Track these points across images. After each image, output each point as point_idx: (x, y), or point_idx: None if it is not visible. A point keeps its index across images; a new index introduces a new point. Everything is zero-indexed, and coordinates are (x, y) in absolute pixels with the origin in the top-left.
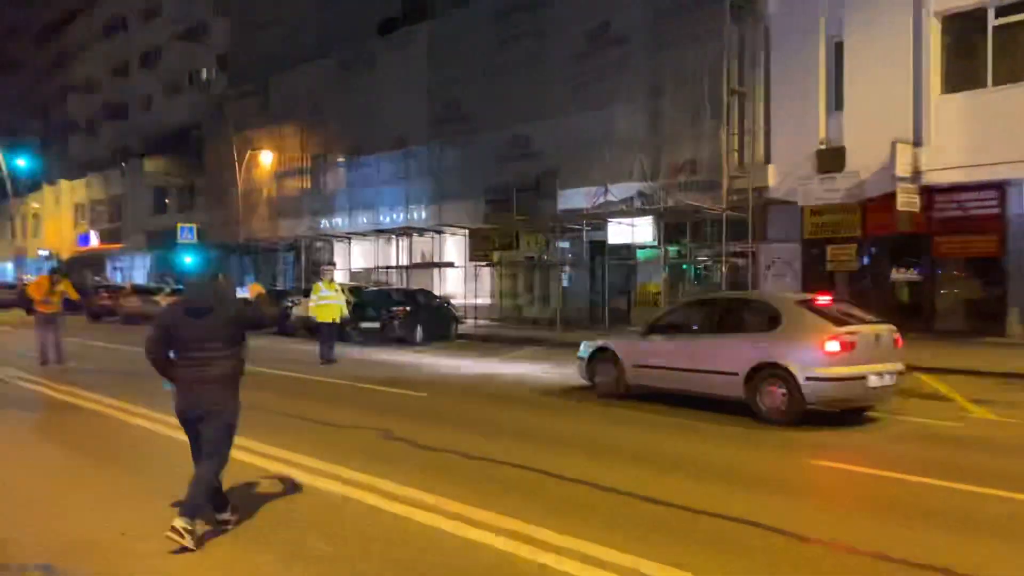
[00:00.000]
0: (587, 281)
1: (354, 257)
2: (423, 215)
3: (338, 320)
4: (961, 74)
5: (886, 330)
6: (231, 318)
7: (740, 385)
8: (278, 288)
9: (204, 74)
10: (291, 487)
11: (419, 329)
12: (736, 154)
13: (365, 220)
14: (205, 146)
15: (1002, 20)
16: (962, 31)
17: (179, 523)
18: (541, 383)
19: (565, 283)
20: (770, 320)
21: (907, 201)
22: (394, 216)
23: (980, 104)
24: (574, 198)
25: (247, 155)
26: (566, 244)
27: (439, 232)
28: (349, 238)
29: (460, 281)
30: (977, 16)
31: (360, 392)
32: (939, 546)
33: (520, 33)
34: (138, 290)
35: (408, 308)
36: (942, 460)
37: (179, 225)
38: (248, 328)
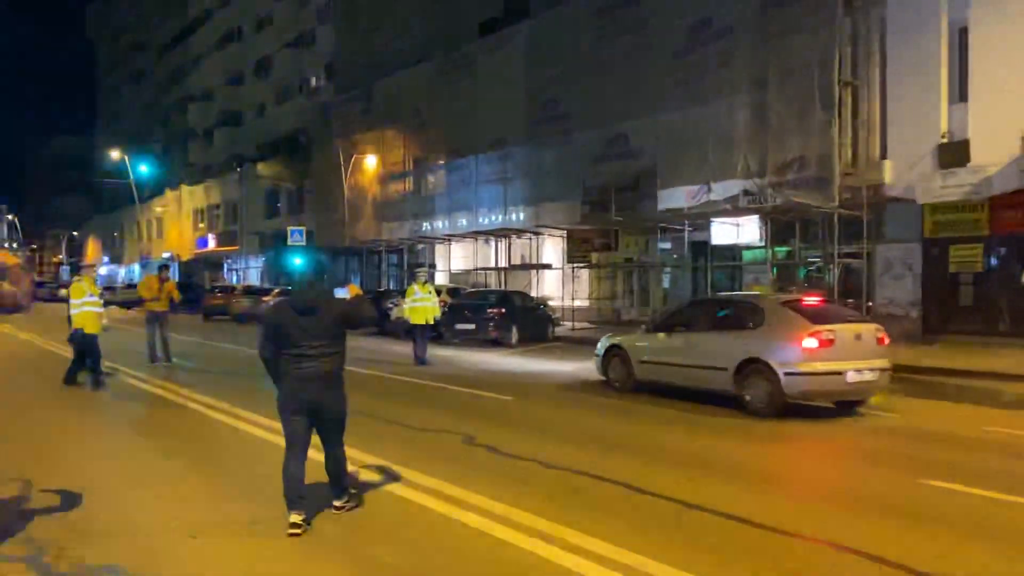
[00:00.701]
0: (689, 283)
1: (454, 259)
2: (521, 216)
3: (431, 322)
4: None
5: (869, 329)
6: (336, 316)
7: (730, 380)
8: (380, 289)
9: (312, 81)
10: (367, 491)
11: (514, 331)
12: (849, 149)
13: (464, 222)
14: (313, 151)
15: None
16: None
17: (338, 503)
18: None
19: (666, 284)
20: (756, 319)
21: None
22: (492, 218)
23: None
24: (674, 197)
25: (352, 159)
26: (667, 245)
27: (537, 233)
28: (449, 240)
29: (558, 283)
30: None
31: (447, 394)
32: (891, 537)
33: (619, 29)
34: (249, 291)
35: (503, 310)
36: (912, 455)
37: (289, 228)
38: (350, 327)
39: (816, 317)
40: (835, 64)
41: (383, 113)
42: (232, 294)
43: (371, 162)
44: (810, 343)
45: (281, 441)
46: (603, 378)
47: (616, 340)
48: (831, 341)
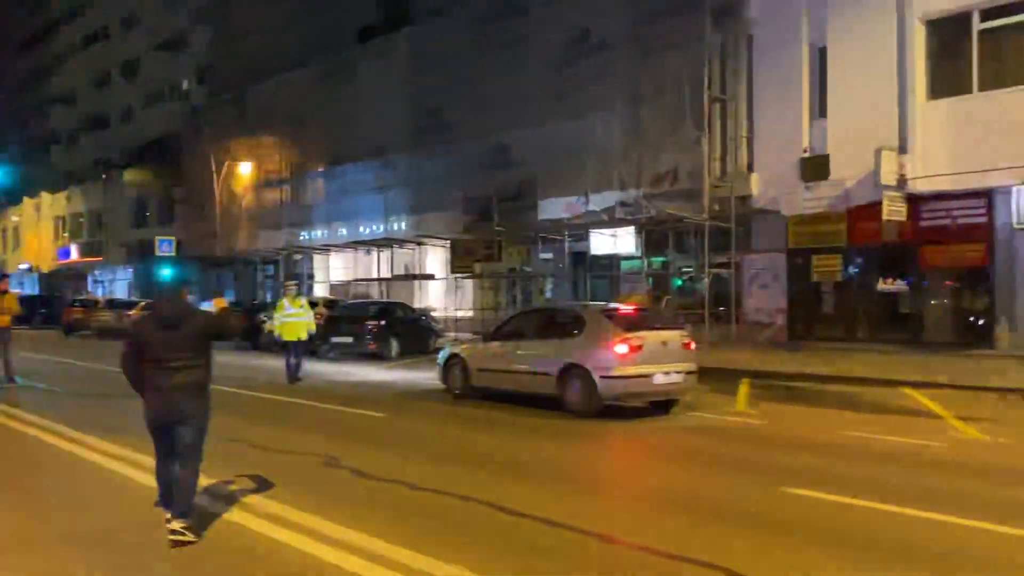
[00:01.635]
0: (570, 293)
1: (333, 270)
2: (403, 226)
3: (304, 338)
4: (946, 80)
5: (675, 336)
6: (199, 329)
7: (554, 384)
8: (255, 302)
9: (184, 84)
10: (211, 523)
11: (394, 343)
12: (718, 163)
13: (344, 232)
14: (184, 157)
15: (987, 24)
16: (947, 36)
17: (177, 525)
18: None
19: (548, 295)
20: (578, 327)
21: (893, 210)
22: (374, 227)
23: (966, 110)
24: (555, 208)
25: (226, 166)
26: (548, 255)
27: (419, 243)
28: (328, 250)
29: (442, 293)
30: (962, 20)
31: (316, 412)
32: (675, 531)
33: (500, 41)
34: (113, 304)
35: (383, 322)
36: (713, 450)
37: (158, 238)
38: (215, 339)
39: (628, 325)
40: (705, 81)
41: (259, 119)
42: (95, 308)
43: (246, 169)
44: (621, 348)
45: (123, 468)
46: (444, 386)
47: (456, 349)
48: (640, 347)
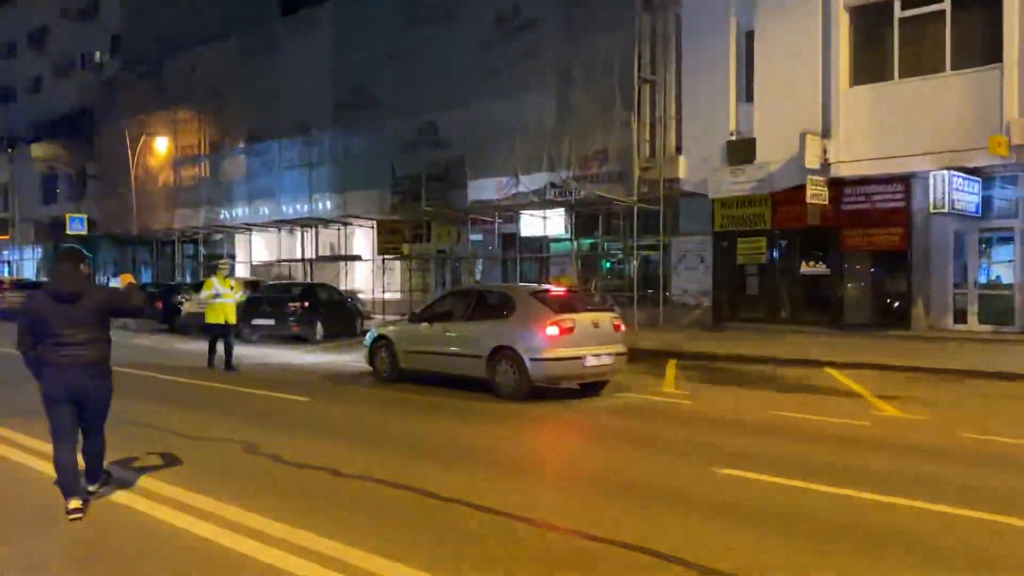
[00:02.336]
0: (500, 275)
1: (255, 250)
2: (328, 205)
3: (233, 321)
4: (868, 66)
5: (606, 317)
6: (99, 303)
7: (483, 366)
8: (172, 282)
9: (96, 55)
10: (116, 515)
11: (319, 326)
12: (647, 145)
13: (266, 210)
14: (97, 131)
15: (908, 12)
16: (870, 23)
17: (91, 487)
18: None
19: (477, 277)
20: (508, 309)
21: (815, 193)
22: (297, 206)
23: (886, 96)
24: (485, 188)
25: (141, 141)
26: (478, 236)
27: (345, 223)
28: (250, 229)
29: (368, 275)
30: (884, 8)
31: (236, 397)
32: (607, 514)
33: (428, 16)
34: (20, 284)
35: (307, 303)
36: (642, 431)
37: (68, 216)
38: (116, 315)
39: (559, 307)
40: (634, 62)
41: (176, 92)
42: (0, 288)
43: (162, 145)
44: (552, 330)
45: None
46: (371, 369)
47: (383, 331)
48: (572, 328)
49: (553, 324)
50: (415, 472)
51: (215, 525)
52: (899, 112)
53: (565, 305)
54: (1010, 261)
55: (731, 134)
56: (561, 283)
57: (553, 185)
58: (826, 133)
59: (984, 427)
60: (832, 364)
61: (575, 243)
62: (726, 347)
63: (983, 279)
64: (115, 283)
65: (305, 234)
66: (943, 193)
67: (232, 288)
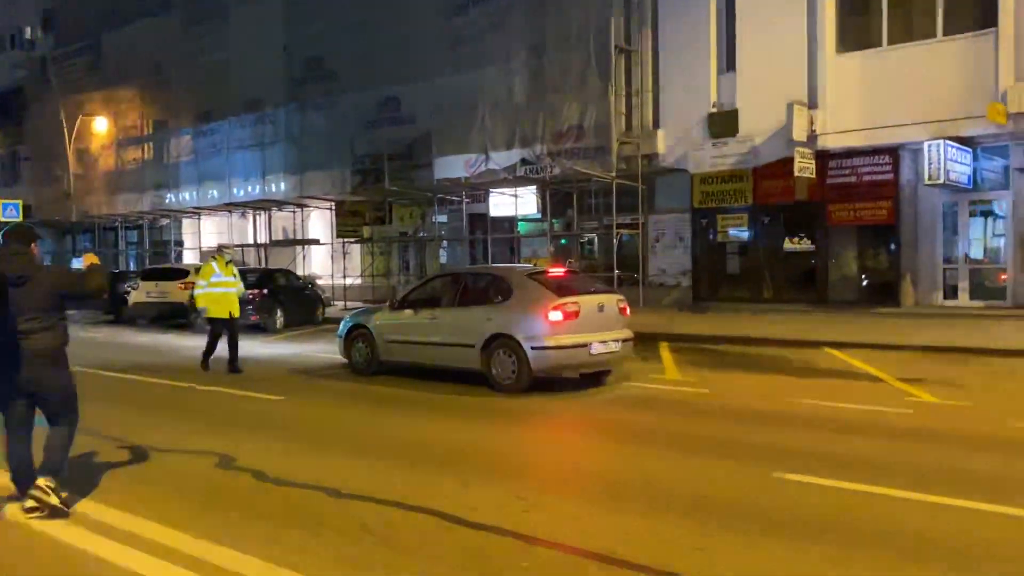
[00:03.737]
0: (467, 257)
1: (205, 235)
2: (282, 187)
3: (237, 315)
4: (856, 32)
5: (611, 300)
6: (51, 287)
7: (477, 356)
8: (116, 271)
9: (27, 31)
10: (64, 556)
11: (279, 314)
12: (623, 118)
13: (216, 193)
14: (30, 112)
15: None
16: None
17: (42, 481)
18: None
19: (443, 260)
20: (503, 293)
21: (804, 167)
22: (249, 188)
23: (875, 64)
24: (451, 167)
25: (78, 122)
26: (444, 217)
27: (301, 205)
28: (198, 214)
29: (327, 260)
30: None
31: (199, 397)
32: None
33: None
34: None
35: (265, 291)
36: (667, 428)
37: (1, 202)
38: (72, 299)
39: (561, 289)
40: (609, 30)
41: (115, 69)
42: None
43: (102, 125)
44: (555, 316)
45: None
46: (346, 361)
47: (359, 319)
48: (576, 313)
49: (556, 308)
50: (429, 490)
51: (177, 565)
52: (889, 80)
53: (567, 287)
54: (1000, 235)
55: (712, 106)
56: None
57: (525, 162)
58: (812, 103)
59: None
60: (831, 344)
61: (548, 222)
62: (714, 328)
63: (973, 254)
64: (78, 264)
65: (258, 217)
66: (938, 164)
67: (235, 276)
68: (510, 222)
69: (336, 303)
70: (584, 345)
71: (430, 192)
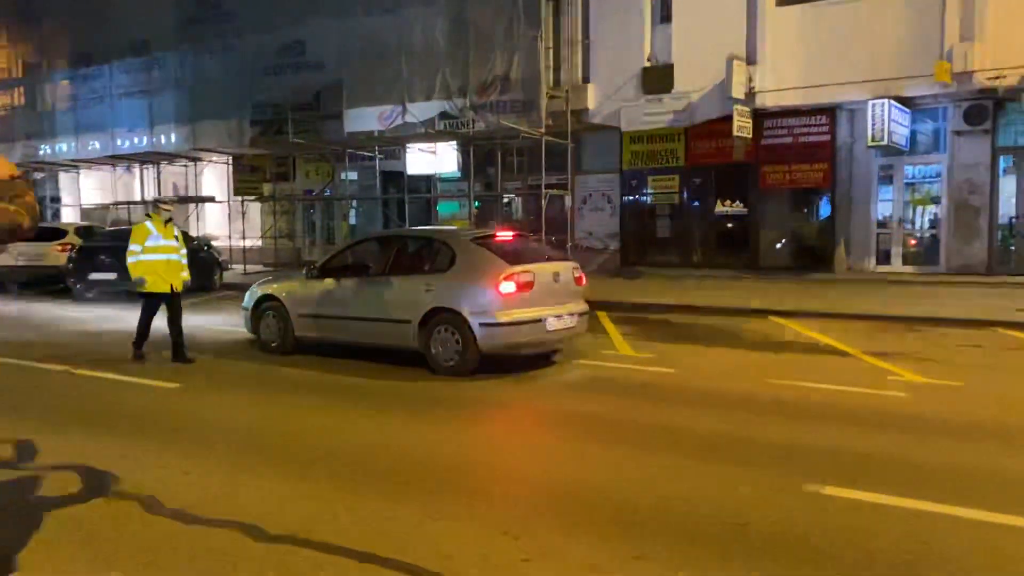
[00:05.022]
0: (380, 219)
1: (85, 191)
2: (173, 138)
3: (181, 288)
4: None
5: (566, 268)
6: None
7: (414, 334)
8: None
9: None
10: None
11: None
12: (551, 71)
13: (97, 145)
14: None
15: None
16: None
17: None
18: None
19: (352, 221)
20: (444, 260)
21: (742, 126)
22: (135, 140)
23: (818, 18)
24: (364, 119)
25: None
26: (354, 175)
27: (194, 159)
28: (77, 167)
29: (224, 219)
30: None
31: (75, 384)
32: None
33: None
34: None
35: None
36: (639, 418)
37: None
38: None
39: (512, 256)
40: None
41: None
42: None
43: None
44: (507, 287)
45: None
46: (253, 337)
47: (269, 289)
48: (530, 284)
49: (508, 278)
50: (384, 525)
51: None
52: (831, 36)
53: (518, 254)
54: (936, 199)
55: (646, 60)
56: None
57: (445, 115)
58: (751, 59)
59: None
60: (776, 313)
61: (470, 182)
62: (651, 295)
63: (908, 218)
64: None
65: (145, 172)
66: (882, 124)
67: (177, 239)
68: (428, 180)
69: (234, 267)
70: (539, 320)
71: (339, 146)
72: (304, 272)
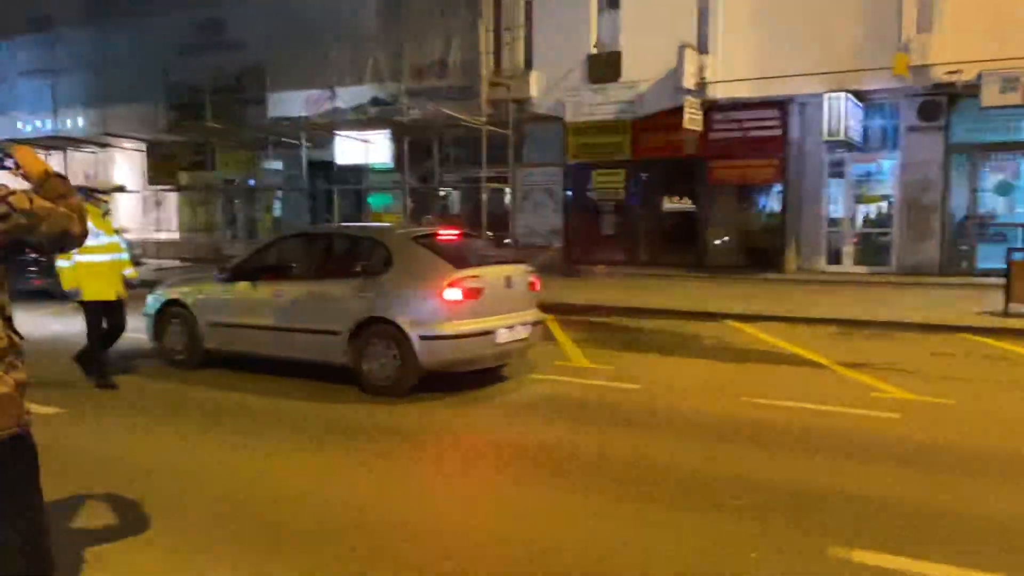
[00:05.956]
0: (307, 211)
1: None
2: (80, 122)
3: (126, 295)
4: None
5: (519, 272)
6: None
7: (343, 348)
8: None
9: None
10: None
11: None
12: (492, 57)
13: None
14: None
15: None
16: None
17: None
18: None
19: (277, 213)
20: (380, 262)
21: (693, 118)
22: (37, 123)
23: (771, 5)
24: (289, 104)
25: None
26: (278, 164)
27: (104, 145)
28: None
29: (137, 210)
30: None
31: None
32: None
33: None
34: None
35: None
36: (616, 452)
37: None
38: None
39: (458, 258)
40: None
41: None
42: None
43: None
44: (453, 294)
45: None
46: (156, 346)
47: (175, 292)
48: (479, 290)
49: (454, 284)
50: None
51: None
52: (786, 25)
53: (465, 255)
54: (887, 197)
55: (593, 47)
56: (382, 223)
57: (378, 101)
58: (703, 48)
59: (1016, 412)
60: (733, 317)
61: (403, 172)
62: (599, 297)
63: (859, 217)
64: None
65: (49, 159)
66: (839, 119)
67: (120, 236)
68: (358, 171)
69: (147, 262)
70: (489, 332)
71: (262, 133)
72: (216, 274)
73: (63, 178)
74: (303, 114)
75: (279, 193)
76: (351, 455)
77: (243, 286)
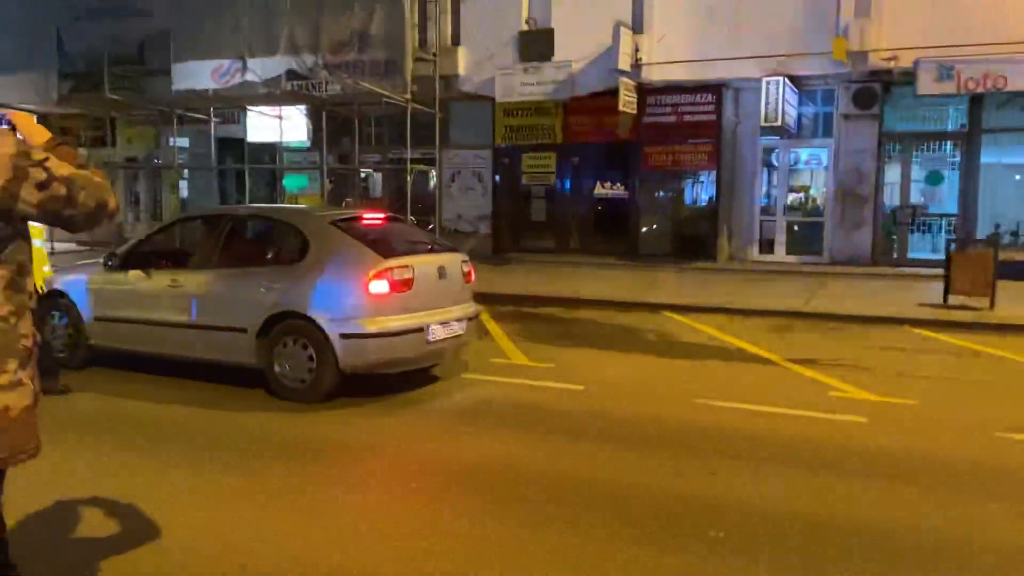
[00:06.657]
0: (215, 193)
1: None
2: None
3: (45, 290)
4: None
5: (454, 261)
6: None
7: (251, 346)
8: None
9: None
10: None
11: None
12: (416, 31)
13: None
14: None
15: None
16: None
17: None
18: None
19: (184, 194)
20: (294, 249)
21: (628, 101)
22: None
23: None
24: (196, 76)
25: None
26: (185, 141)
27: None
28: None
29: None
30: None
31: None
32: None
33: None
34: None
35: None
36: (568, 473)
37: None
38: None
39: (384, 245)
40: None
41: None
42: None
43: None
44: (379, 286)
45: None
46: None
47: (56, 283)
48: (409, 282)
49: (380, 275)
50: None
51: None
52: (724, 8)
53: (392, 242)
54: (820, 186)
55: (524, 23)
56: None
57: (293, 74)
58: (638, 27)
59: (982, 414)
60: (670, 308)
61: (321, 153)
62: (530, 286)
63: (792, 205)
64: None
65: None
66: (777, 104)
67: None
68: (272, 149)
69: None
70: (420, 329)
71: (166, 107)
72: (104, 261)
73: (71, 146)
74: (211, 87)
75: (186, 172)
76: (257, 483)
77: (135, 275)
